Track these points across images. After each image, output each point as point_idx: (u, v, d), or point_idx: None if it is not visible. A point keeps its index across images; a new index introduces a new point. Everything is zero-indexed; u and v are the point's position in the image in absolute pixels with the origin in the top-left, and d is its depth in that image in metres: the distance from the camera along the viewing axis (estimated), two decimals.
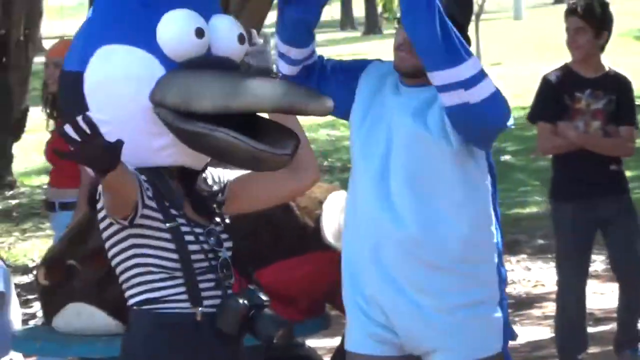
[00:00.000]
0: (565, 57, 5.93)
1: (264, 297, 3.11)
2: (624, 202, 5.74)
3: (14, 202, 12.77)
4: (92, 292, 4.47)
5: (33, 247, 10.19)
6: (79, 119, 2.78)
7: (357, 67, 3.69)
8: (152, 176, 3.03)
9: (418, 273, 3.54)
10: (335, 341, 5.14)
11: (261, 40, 3.30)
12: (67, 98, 3.48)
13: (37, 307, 6.23)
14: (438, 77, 3.30)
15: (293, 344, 4.86)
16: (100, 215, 3.03)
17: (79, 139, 2.69)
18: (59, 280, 4.64)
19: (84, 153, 2.76)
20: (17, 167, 13.33)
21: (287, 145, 3.07)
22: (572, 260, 5.97)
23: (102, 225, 3.06)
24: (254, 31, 3.32)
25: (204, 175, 3.19)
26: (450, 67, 3.27)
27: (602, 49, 5.63)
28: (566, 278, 5.93)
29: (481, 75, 3.34)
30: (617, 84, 5.70)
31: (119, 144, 2.74)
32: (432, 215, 3.57)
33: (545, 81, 5.75)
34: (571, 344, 5.88)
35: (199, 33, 2.99)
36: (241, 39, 3.11)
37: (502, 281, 3.63)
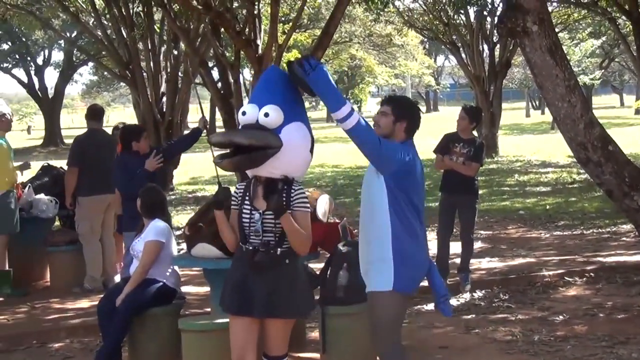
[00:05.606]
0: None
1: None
2: (471, 199, 7.57)
3: (173, 196, 16.90)
4: (210, 238, 5.46)
5: (183, 218, 12.61)
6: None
7: None
8: (250, 181, 4.05)
9: (364, 242, 4.29)
10: (320, 265, 5.83)
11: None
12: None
13: (183, 246, 6.40)
14: (334, 116, 3.95)
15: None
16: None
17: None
18: (194, 232, 5.68)
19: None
20: (175, 180, 18.20)
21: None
22: (442, 223, 7.49)
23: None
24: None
25: (291, 187, 3.94)
26: (336, 111, 3.94)
27: (473, 128, 7.78)
28: (440, 232, 7.48)
29: (350, 114, 3.86)
30: (475, 143, 7.68)
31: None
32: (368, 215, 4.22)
33: (444, 135, 7.46)
34: (442, 266, 7.06)
35: (243, 114, 4.00)
36: (266, 115, 3.95)
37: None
